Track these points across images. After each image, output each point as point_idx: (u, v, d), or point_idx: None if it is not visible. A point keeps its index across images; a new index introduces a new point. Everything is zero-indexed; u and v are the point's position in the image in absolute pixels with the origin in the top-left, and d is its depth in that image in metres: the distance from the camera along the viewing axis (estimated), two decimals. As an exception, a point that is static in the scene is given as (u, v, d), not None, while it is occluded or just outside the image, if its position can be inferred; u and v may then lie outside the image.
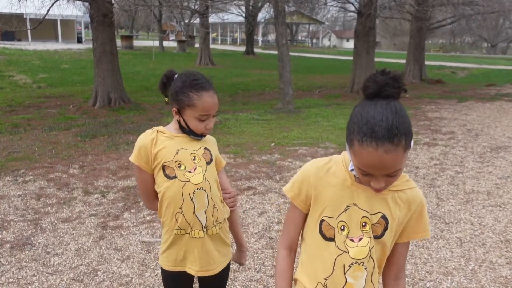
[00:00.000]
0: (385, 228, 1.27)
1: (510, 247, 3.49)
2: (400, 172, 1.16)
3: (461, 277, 3.05)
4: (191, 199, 1.65)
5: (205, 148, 1.72)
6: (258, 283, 2.93)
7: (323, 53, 36.84)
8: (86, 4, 10.16)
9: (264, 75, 17.55)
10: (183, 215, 1.66)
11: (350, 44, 52.50)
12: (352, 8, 15.22)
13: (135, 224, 3.80)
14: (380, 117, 1.09)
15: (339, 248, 1.27)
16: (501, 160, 5.96)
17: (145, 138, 1.67)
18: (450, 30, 34.80)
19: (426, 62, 17.42)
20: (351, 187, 1.26)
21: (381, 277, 1.37)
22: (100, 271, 3.05)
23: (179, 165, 1.65)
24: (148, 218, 3.90)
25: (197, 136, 1.69)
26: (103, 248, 3.38)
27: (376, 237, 1.27)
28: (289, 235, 1.40)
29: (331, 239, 1.28)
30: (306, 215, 1.36)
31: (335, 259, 1.27)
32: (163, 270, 1.79)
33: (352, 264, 1.27)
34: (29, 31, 29.52)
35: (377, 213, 1.26)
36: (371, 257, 1.27)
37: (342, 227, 1.27)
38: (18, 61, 18.16)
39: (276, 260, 1.42)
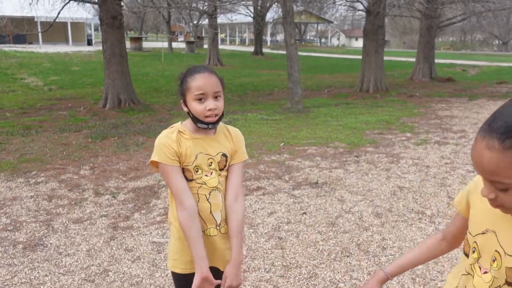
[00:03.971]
0: None
1: (523, 246, 3.44)
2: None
3: (473, 277, 3.01)
4: (207, 200, 1.71)
5: (223, 155, 1.73)
6: (268, 283, 2.93)
7: (332, 52, 36.72)
8: (96, 6, 10.26)
9: (272, 75, 17.54)
10: (199, 214, 1.70)
11: (359, 43, 52.26)
12: (361, 7, 15.16)
13: (145, 224, 3.82)
14: None
15: (465, 269, 1.19)
16: (513, 158, 5.88)
17: (167, 137, 1.67)
18: (461, 28, 34.52)
19: (436, 60, 17.27)
20: (495, 210, 1.05)
21: None
22: (111, 271, 3.08)
23: (196, 170, 1.69)
24: (158, 219, 3.93)
25: (204, 124, 1.66)
26: (114, 248, 3.41)
27: (510, 285, 1.06)
28: (449, 227, 1.38)
29: (467, 255, 1.20)
30: (467, 220, 1.27)
31: (461, 276, 1.22)
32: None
33: None
34: (40, 34, 29.87)
35: None
36: None
37: (473, 249, 1.15)
38: (30, 64, 18.37)
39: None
